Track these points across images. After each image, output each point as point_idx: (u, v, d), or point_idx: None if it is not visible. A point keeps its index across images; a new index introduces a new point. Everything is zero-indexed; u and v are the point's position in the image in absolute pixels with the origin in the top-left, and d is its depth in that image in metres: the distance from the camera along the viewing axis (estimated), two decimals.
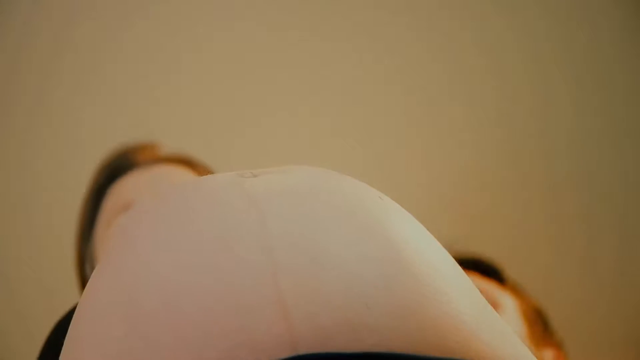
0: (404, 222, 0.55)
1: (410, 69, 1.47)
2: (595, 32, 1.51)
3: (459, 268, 0.56)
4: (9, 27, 1.49)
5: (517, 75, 1.37)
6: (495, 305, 1.22)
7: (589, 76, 1.35)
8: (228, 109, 1.54)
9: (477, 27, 1.50)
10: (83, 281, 1.17)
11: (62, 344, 0.73)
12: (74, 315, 0.56)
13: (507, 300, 1.25)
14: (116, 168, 1.17)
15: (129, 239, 0.54)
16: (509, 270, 1.32)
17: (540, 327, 1.27)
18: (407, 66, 1.50)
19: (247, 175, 0.57)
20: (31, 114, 1.42)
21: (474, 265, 1.29)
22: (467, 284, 0.55)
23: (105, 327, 0.51)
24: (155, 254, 0.51)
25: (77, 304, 0.80)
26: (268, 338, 0.47)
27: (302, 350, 0.47)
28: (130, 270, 0.51)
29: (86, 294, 0.56)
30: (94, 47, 1.51)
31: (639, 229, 1.51)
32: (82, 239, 1.18)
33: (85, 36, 1.44)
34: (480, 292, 1.24)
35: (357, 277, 0.49)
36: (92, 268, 1.14)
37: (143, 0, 1.57)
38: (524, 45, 1.49)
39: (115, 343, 0.50)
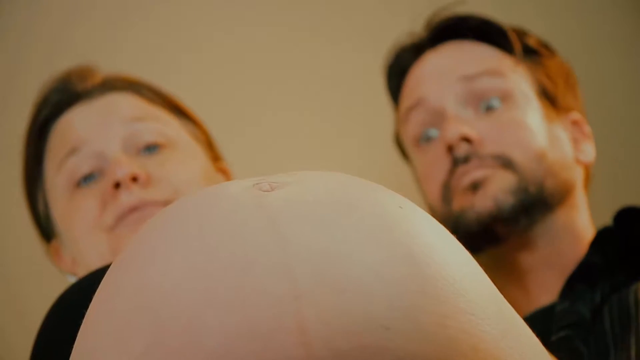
0: (427, 234, 0.54)
1: None
2: (595, 32, 1.51)
3: (486, 278, 0.56)
4: None
5: None
6: (508, 96, 1.14)
7: (588, 76, 1.35)
8: (227, 108, 1.54)
9: None
10: (37, 221, 1.14)
11: (56, 334, 0.73)
12: (84, 324, 0.56)
13: (518, 81, 1.16)
14: (58, 102, 1.11)
15: (149, 253, 0.54)
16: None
17: (560, 87, 1.19)
18: None
19: (264, 187, 0.56)
20: None
21: (480, 30, 1.19)
22: (493, 296, 0.55)
23: (123, 341, 0.50)
24: (178, 276, 0.50)
25: (71, 286, 0.79)
26: None
27: None
28: (153, 289, 0.51)
29: (100, 304, 0.55)
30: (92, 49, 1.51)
31: None
32: (30, 178, 1.14)
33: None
34: (495, 92, 1.12)
35: (377, 300, 0.49)
36: (46, 207, 1.11)
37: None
38: None
39: (132, 359, 0.50)
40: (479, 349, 0.50)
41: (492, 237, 1.11)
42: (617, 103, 1.51)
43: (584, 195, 1.17)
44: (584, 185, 1.18)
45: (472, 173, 1.11)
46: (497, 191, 1.10)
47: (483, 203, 1.10)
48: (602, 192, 1.25)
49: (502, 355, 0.51)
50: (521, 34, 1.21)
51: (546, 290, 1.11)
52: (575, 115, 1.20)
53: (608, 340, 0.97)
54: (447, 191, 1.13)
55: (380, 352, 0.47)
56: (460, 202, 1.12)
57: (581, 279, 1.06)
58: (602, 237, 1.10)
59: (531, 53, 1.20)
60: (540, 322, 1.03)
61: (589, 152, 1.18)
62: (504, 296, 1.12)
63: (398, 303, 0.49)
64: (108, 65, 1.17)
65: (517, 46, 1.18)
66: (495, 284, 1.14)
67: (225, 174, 1.16)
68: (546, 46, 1.23)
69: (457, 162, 1.12)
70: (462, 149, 1.12)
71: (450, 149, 1.13)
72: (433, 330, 0.49)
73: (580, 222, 1.14)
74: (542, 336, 1.02)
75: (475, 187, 1.11)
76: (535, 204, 1.11)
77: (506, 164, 1.11)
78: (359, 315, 0.48)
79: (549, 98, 1.17)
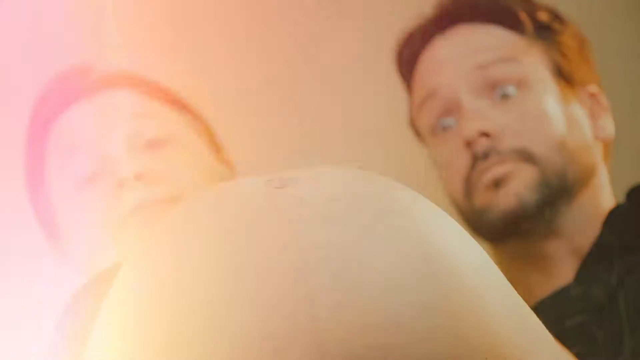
0: (440, 231, 0.54)
1: None
2: (596, 32, 1.50)
3: (499, 274, 0.56)
4: None
5: None
6: (524, 82, 1.11)
7: (597, 45, 1.33)
8: (229, 101, 1.53)
9: None
10: (42, 222, 1.13)
11: None
12: (97, 324, 0.56)
13: (533, 65, 1.13)
14: (57, 102, 1.10)
15: (163, 253, 0.53)
16: None
17: (575, 62, 1.16)
18: None
19: (276, 184, 0.56)
20: None
21: (490, 12, 1.16)
22: (505, 291, 0.55)
23: (136, 341, 0.50)
24: (192, 276, 0.50)
25: (83, 285, 0.79)
26: None
27: None
28: (167, 289, 0.51)
29: (113, 305, 0.55)
30: None
31: None
32: (32, 179, 1.12)
33: None
34: (511, 79, 1.10)
35: (390, 299, 0.49)
36: (50, 208, 1.10)
37: None
38: None
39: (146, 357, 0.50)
40: (491, 345, 0.50)
41: (517, 232, 1.10)
42: (624, 77, 1.51)
43: (605, 170, 1.16)
44: (604, 159, 1.16)
45: (493, 169, 1.10)
46: (520, 188, 1.09)
47: (506, 200, 1.09)
48: (615, 168, 1.24)
49: (515, 351, 0.51)
50: (531, 8, 1.18)
51: (570, 274, 1.10)
52: (592, 88, 1.18)
53: (623, 325, 0.97)
54: (468, 186, 1.12)
55: (393, 351, 0.48)
56: (483, 199, 1.11)
57: (596, 259, 1.06)
58: (615, 216, 1.09)
59: (543, 30, 1.17)
60: (556, 304, 1.03)
61: (608, 127, 1.16)
62: (526, 281, 1.12)
63: (412, 303, 0.49)
64: (106, 63, 1.17)
65: (529, 26, 1.16)
66: (517, 270, 1.13)
67: (228, 165, 1.16)
68: (557, 17, 1.20)
69: (477, 158, 1.11)
70: (481, 145, 1.11)
71: (468, 144, 1.12)
72: (447, 328, 0.49)
73: (605, 201, 1.13)
74: (557, 319, 1.03)
75: (497, 184, 1.10)
76: (558, 195, 1.09)
77: (527, 157, 1.09)
78: (373, 315, 0.48)
79: (564, 76, 1.15)
